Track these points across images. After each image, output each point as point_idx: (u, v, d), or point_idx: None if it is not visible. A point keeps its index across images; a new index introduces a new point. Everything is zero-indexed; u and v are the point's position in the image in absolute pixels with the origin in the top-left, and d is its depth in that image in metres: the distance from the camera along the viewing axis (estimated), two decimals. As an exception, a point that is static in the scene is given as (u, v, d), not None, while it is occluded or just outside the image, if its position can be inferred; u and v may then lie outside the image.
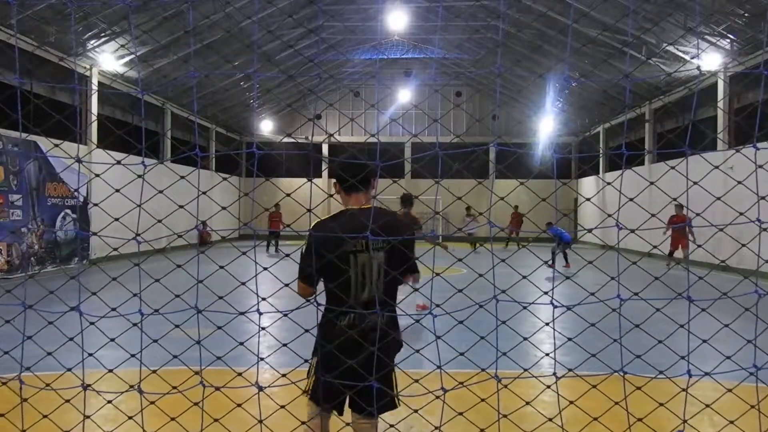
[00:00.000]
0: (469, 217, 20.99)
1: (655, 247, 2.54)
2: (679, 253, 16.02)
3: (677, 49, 16.99)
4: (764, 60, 14.22)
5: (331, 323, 2.82)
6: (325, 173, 32.24)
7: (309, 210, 2.85)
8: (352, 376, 2.71)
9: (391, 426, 2.93)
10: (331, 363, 2.75)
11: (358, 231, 2.71)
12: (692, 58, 16.87)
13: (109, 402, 2.87)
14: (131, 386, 2.73)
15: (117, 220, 2.90)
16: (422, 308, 8.83)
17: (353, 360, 2.70)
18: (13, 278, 13.01)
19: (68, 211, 15.82)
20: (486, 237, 20.70)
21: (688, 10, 15.25)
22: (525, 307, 2.82)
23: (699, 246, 2.66)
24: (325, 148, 32.00)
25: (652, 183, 2.78)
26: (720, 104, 17.24)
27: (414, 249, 2.99)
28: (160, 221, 3.03)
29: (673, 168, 2.77)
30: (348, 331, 2.76)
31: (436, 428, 2.82)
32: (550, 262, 16.58)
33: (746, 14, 14.43)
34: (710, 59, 16.34)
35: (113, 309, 2.82)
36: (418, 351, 3.04)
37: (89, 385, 2.85)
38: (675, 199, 15.11)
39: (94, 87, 17.69)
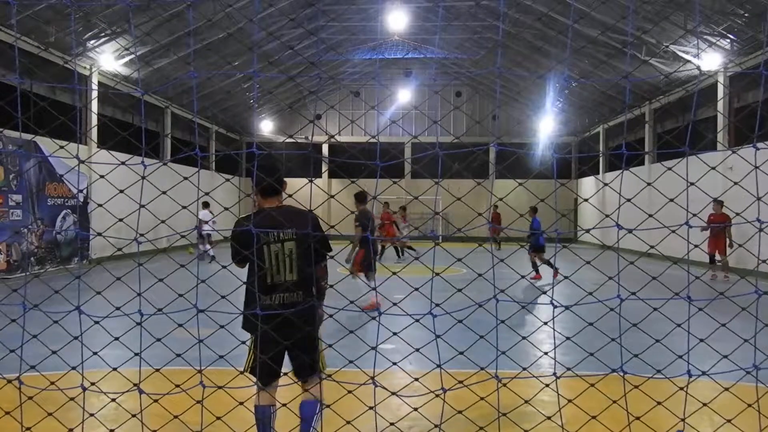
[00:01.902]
0: (403, 218, 20.94)
1: (652, 247, 2.55)
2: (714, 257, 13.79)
3: (677, 49, 17.00)
4: (764, 60, 14.23)
5: (256, 303, 3.19)
6: (325, 174, 32.25)
7: (309, 210, 2.87)
8: (279, 346, 3.15)
9: (392, 424, 2.94)
10: (262, 338, 3.10)
11: (270, 227, 3.28)
12: (692, 58, 16.88)
13: (113, 400, 2.89)
14: (134, 385, 2.75)
15: (121, 220, 2.91)
16: (370, 307, 7.49)
17: (279, 334, 3.10)
18: (12, 278, 13.03)
19: (68, 211, 15.84)
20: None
21: (688, 10, 15.26)
22: (524, 307, 2.84)
23: (696, 246, 2.67)
24: (325, 149, 32.01)
25: (649, 184, 2.80)
26: (720, 104, 17.25)
27: (325, 241, 3.47)
28: (163, 221, 3.04)
29: (669, 169, 2.78)
30: (270, 309, 3.14)
31: (436, 426, 2.83)
32: (554, 268, 15.40)
33: (746, 14, 14.44)
34: (710, 59, 16.35)
35: (117, 308, 2.84)
36: (418, 350, 3.06)
37: (93, 383, 2.87)
38: (714, 198, 12.97)
39: (95, 87, 17.70)
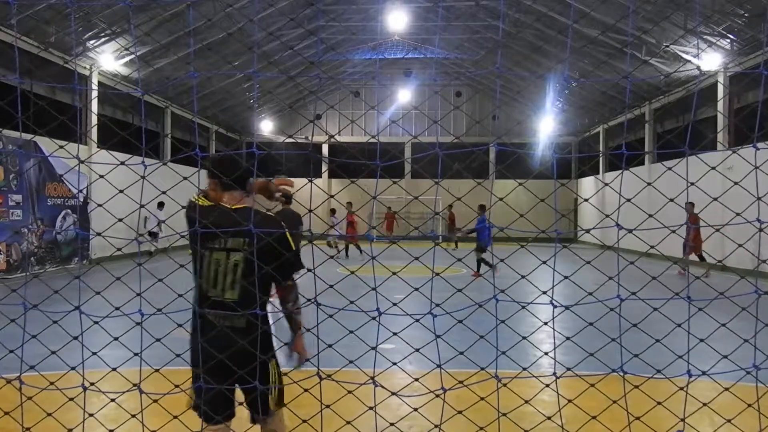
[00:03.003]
0: (335, 217, 20.99)
1: (652, 247, 2.56)
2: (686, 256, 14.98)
3: (677, 49, 17.00)
4: (764, 60, 14.23)
5: (195, 320, 2.81)
6: (325, 174, 32.26)
7: (310, 210, 2.87)
8: (218, 376, 2.72)
9: (392, 424, 2.94)
10: (197, 361, 2.74)
11: (218, 228, 2.70)
12: (692, 58, 16.88)
13: (112, 401, 2.89)
14: (133, 385, 2.75)
15: (121, 220, 2.91)
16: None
17: (218, 362, 2.68)
18: (12, 278, 13.03)
19: (68, 211, 15.84)
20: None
21: (688, 10, 15.26)
22: (524, 307, 2.84)
23: (695, 246, 2.69)
24: (325, 149, 32.01)
25: (649, 184, 2.80)
26: (720, 104, 17.25)
27: (290, 260, 2.83)
28: (163, 221, 3.04)
29: (669, 169, 2.78)
30: (205, 328, 2.73)
31: (435, 426, 2.83)
32: (492, 267, 15.05)
33: (746, 14, 14.44)
34: (710, 59, 16.35)
35: (117, 308, 2.84)
36: (418, 350, 3.06)
37: (92, 383, 2.87)
38: (687, 201, 14.27)
39: (94, 87, 17.70)
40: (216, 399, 2.73)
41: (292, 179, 3.14)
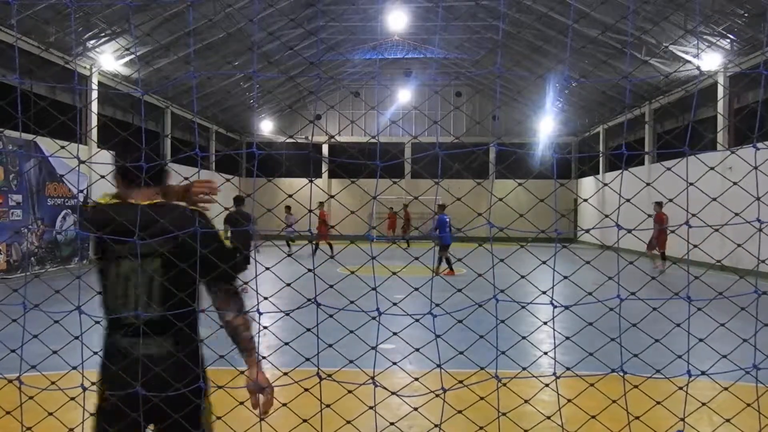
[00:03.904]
0: (291, 216, 21.12)
1: (653, 247, 2.56)
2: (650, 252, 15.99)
3: (677, 49, 17.01)
4: (764, 60, 14.23)
5: (105, 345, 2.31)
6: (325, 174, 32.27)
7: (310, 210, 2.88)
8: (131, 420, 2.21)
9: (392, 424, 2.95)
10: (104, 404, 2.27)
11: (124, 230, 2.19)
12: (692, 58, 16.89)
13: (112, 401, 2.89)
14: (133, 385, 2.75)
15: (120, 221, 2.91)
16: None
17: (132, 401, 2.20)
18: (13, 278, 13.03)
19: (68, 211, 15.84)
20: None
21: (687, 10, 15.27)
22: (524, 307, 2.84)
23: (695, 246, 2.69)
24: (325, 149, 32.02)
25: (648, 184, 2.80)
26: (719, 104, 17.25)
27: (223, 253, 2.37)
28: (162, 221, 3.04)
29: (669, 169, 2.79)
30: (115, 357, 2.24)
31: (435, 426, 2.84)
32: (450, 267, 15.62)
33: (746, 14, 14.44)
34: (710, 59, 16.36)
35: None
36: (417, 350, 3.06)
37: (93, 383, 2.87)
38: (656, 201, 15.05)
39: (95, 87, 17.71)
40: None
41: (213, 182, 2.60)
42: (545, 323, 2.73)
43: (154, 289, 2.24)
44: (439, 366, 2.72)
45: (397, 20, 21.40)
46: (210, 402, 2.46)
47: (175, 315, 2.23)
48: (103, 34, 16.56)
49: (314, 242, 19.68)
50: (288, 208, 20.63)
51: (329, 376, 2.77)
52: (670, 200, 2.84)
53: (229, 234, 11.33)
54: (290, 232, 20.03)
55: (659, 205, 15.53)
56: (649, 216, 2.74)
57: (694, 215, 2.53)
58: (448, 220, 15.37)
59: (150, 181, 2.34)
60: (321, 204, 20.53)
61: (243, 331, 2.39)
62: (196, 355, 2.35)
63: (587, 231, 2.78)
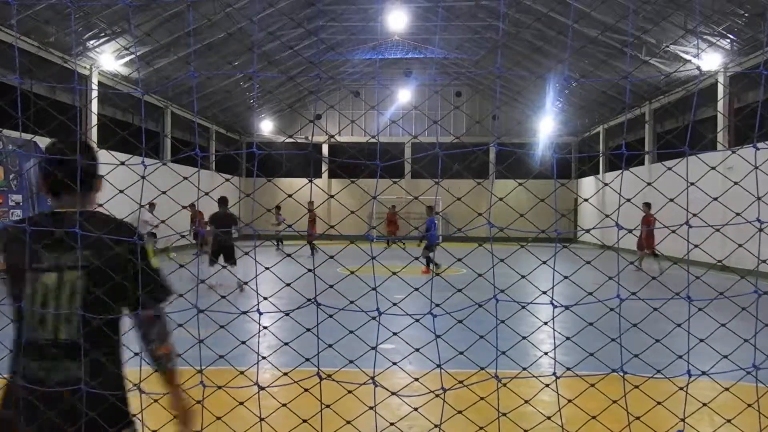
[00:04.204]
0: (280, 215, 21.22)
1: (653, 247, 2.55)
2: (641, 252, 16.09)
3: (677, 49, 17.01)
4: (764, 60, 14.23)
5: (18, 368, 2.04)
6: (325, 174, 32.26)
7: (310, 210, 2.87)
8: None
9: (392, 424, 2.94)
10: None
11: (48, 240, 2.02)
12: (692, 58, 16.89)
13: (112, 401, 2.89)
14: (133, 385, 2.75)
15: (120, 220, 2.91)
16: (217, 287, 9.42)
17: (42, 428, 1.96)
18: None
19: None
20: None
21: (688, 10, 15.27)
22: (524, 307, 2.84)
23: (696, 246, 2.68)
24: (325, 149, 32.02)
25: (649, 184, 2.80)
26: (720, 104, 17.25)
27: (149, 274, 2.17)
28: (163, 221, 3.04)
29: (669, 169, 2.78)
30: (30, 385, 1.98)
31: (435, 426, 2.83)
32: (429, 266, 16.06)
33: (746, 14, 14.44)
34: (710, 59, 16.36)
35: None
36: (417, 350, 3.06)
37: (92, 383, 2.87)
38: (644, 202, 15.29)
39: (94, 87, 17.71)
40: None
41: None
42: (545, 323, 2.73)
43: (77, 304, 2.03)
44: (439, 366, 2.71)
45: (397, 20, 21.40)
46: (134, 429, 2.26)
47: (97, 334, 2.04)
48: (103, 34, 16.55)
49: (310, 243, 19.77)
50: (278, 208, 20.71)
51: (329, 376, 2.77)
52: (671, 200, 2.83)
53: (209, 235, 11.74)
54: (279, 232, 20.18)
55: (647, 206, 15.71)
56: (650, 216, 2.74)
57: (694, 215, 2.53)
58: (435, 221, 15.86)
59: (81, 186, 2.12)
60: (311, 204, 20.60)
61: (166, 362, 2.21)
62: (116, 382, 2.14)
63: (587, 231, 2.77)
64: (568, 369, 2.91)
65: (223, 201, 12.09)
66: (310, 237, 19.41)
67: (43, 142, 13.40)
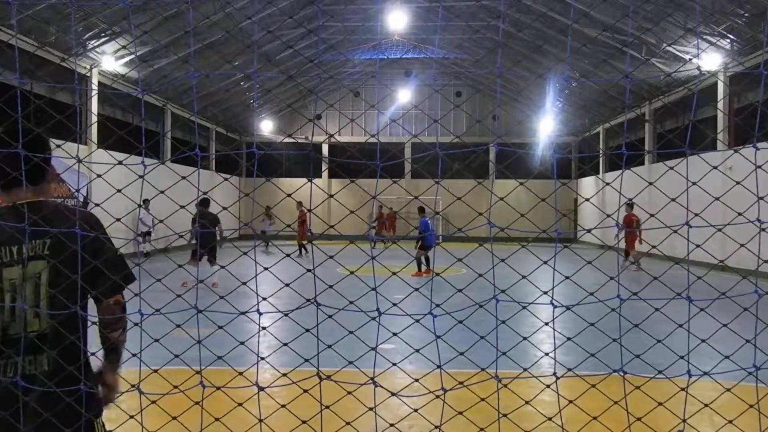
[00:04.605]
0: (268, 218, 21.24)
1: (653, 247, 2.55)
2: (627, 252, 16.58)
3: (677, 49, 17.00)
4: (764, 60, 14.23)
5: None
6: (325, 173, 32.26)
7: (310, 210, 2.87)
8: None
9: (392, 425, 2.94)
10: None
11: (7, 234, 2.01)
12: (692, 58, 16.88)
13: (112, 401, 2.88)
14: (132, 386, 2.74)
15: (118, 220, 2.90)
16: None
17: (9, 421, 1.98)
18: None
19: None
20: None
21: (688, 10, 15.26)
22: (524, 307, 2.83)
23: (697, 246, 2.68)
24: (325, 149, 32.01)
25: (650, 183, 2.79)
26: (720, 104, 17.25)
27: (111, 261, 2.21)
28: (161, 221, 3.03)
29: (671, 168, 2.78)
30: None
31: (436, 427, 2.82)
32: (428, 267, 16.08)
33: (746, 14, 14.44)
34: (710, 59, 16.35)
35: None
36: (418, 350, 3.05)
37: (92, 383, 2.86)
38: (626, 202, 15.52)
39: (94, 87, 17.70)
40: None
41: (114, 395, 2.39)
42: (546, 324, 2.72)
43: (42, 295, 2.05)
44: (439, 366, 2.71)
45: (397, 20, 21.40)
46: (102, 425, 2.32)
47: (65, 324, 2.06)
48: (103, 34, 16.55)
49: (308, 243, 19.77)
50: (267, 208, 20.78)
51: (329, 376, 2.76)
52: (672, 200, 2.82)
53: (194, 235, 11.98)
54: (267, 232, 20.31)
55: (630, 206, 16.33)
56: (652, 215, 2.74)
57: (696, 215, 2.52)
58: (428, 222, 15.82)
59: (27, 180, 2.10)
60: (300, 203, 20.60)
61: (121, 346, 2.32)
62: (82, 373, 2.14)
63: (588, 231, 2.76)
64: (569, 369, 2.90)
65: (205, 202, 12.45)
66: (300, 237, 19.44)
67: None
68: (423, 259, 15.75)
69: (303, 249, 20.35)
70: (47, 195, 2.24)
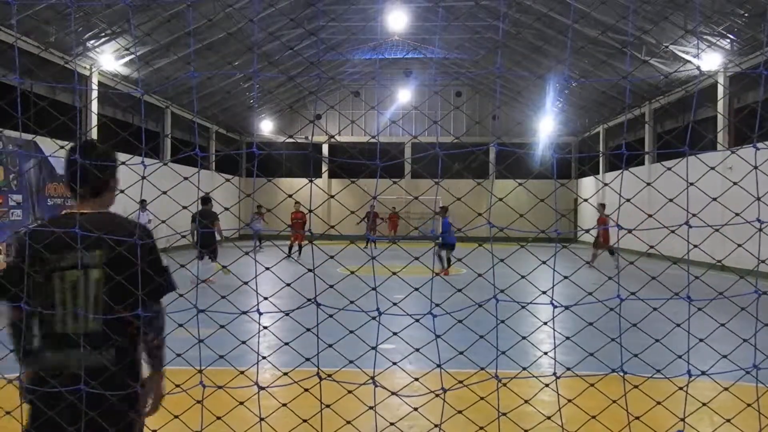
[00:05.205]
0: (258, 215, 21.26)
1: (652, 247, 2.56)
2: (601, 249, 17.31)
3: (677, 49, 17.00)
4: (764, 60, 14.23)
5: (34, 363, 2.25)
6: (325, 174, 32.26)
7: (310, 210, 2.88)
8: None
9: (392, 424, 2.95)
10: (39, 420, 2.21)
11: (68, 242, 2.20)
12: (692, 58, 16.89)
13: (112, 401, 2.89)
14: (133, 385, 2.75)
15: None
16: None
17: (61, 415, 2.16)
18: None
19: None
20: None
21: (688, 10, 15.26)
22: (524, 307, 2.84)
23: (695, 246, 2.69)
24: (325, 149, 32.01)
25: (649, 184, 2.80)
26: (719, 104, 17.25)
27: (158, 268, 2.39)
28: (163, 221, 3.04)
29: (669, 169, 2.79)
30: (60, 376, 2.19)
31: (436, 426, 2.83)
32: (449, 265, 16.38)
33: (746, 14, 14.44)
34: (710, 59, 16.35)
35: (116, 308, 2.83)
36: (418, 350, 3.06)
37: (92, 383, 2.86)
38: (599, 203, 15.73)
39: (95, 87, 17.70)
40: None
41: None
42: (545, 323, 2.73)
43: (99, 299, 2.25)
44: (439, 366, 2.72)
45: (397, 20, 21.40)
46: (143, 424, 2.45)
47: (116, 325, 2.24)
48: (103, 34, 16.55)
49: (307, 243, 19.76)
50: (259, 207, 20.80)
51: (329, 376, 2.77)
52: (671, 200, 2.83)
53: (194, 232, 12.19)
54: (258, 231, 20.38)
55: (602, 206, 17.66)
56: (650, 216, 2.74)
57: (694, 215, 2.53)
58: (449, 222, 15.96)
59: (90, 192, 2.37)
60: (298, 204, 20.62)
61: (158, 352, 2.46)
62: (133, 370, 2.35)
63: (587, 231, 2.77)
64: (568, 369, 2.91)
65: (204, 200, 12.83)
66: (296, 238, 19.41)
67: (43, 142, 13.43)
68: (443, 256, 15.97)
69: (299, 250, 20.33)
70: (109, 205, 2.45)
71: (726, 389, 2.94)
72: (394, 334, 2.88)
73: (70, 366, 2.20)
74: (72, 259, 2.23)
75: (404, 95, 30.08)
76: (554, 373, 2.77)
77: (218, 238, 13.24)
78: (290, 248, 19.43)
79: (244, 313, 2.69)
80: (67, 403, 2.16)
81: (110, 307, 2.23)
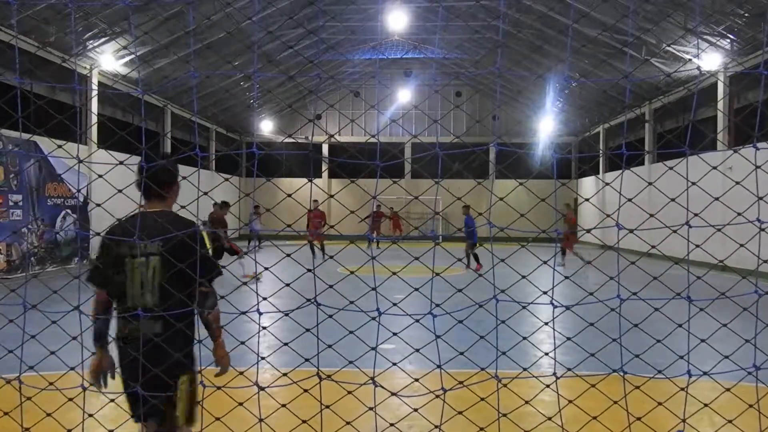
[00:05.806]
0: (256, 215, 21.25)
1: (653, 247, 2.55)
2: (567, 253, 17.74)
3: (677, 49, 17.00)
4: (764, 60, 14.23)
5: (116, 332, 2.85)
6: (325, 174, 32.25)
7: (310, 210, 2.87)
8: (130, 384, 2.75)
9: (392, 425, 2.94)
10: (122, 372, 2.84)
11: (132, 234, 2.74)
12: (692, 58, 16.88)
13: (112, 401, 2.89)
14: (133, 385, 2.74)
15: (119, 220, 2.91)
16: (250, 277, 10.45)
17: (130, 367, 2.74)
18: (12, 278, 13.02)
19: (68, 211, 15.83)
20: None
21: (688, 10, 15.25)
22: (524, 307, 2.83)
23: (697, 246, 2.68)
24: (325, 149, 32.00)
25: (650, 183, 2.79)
26: (720, 104, 17.24)
27: (206, 258, 2.81)
28: (162, 222, 3.03)
29: (671, 168, 2.78)
30: (124, 338, 2.78)
31: (436, 427, 2.83)
32: (478, 263, 16.62)
33: (746, 14, 14.43)
34: (710, 59, 16.34)
35: (115, 308, 2.83)
36: (418, 350, 3.05)
37: (92, 383, 2.86)
38: (566, 204, 15.75)
39: (94, 87, 17.69)
40: (135, 398, 2.75)
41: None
42: (546, 323, 2.72)
43: (157, 279, 2.77)
44: (439, 366, 2.71)
45: (397, 20, 21.38)
46: (192, 378, 2.77)
47: (168, 299, 2.74)
48: (103, 34, 16.53)
49: (311, 242, 19.72)
50: (256, 207, 20.80)
51: (329, 376, 2.77)
52: (672, 200, 2.83)
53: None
54: (256, 231, 20.38)
55: (568, 206, 18.16)
56: (651, 216, 2.74)
57: (695, 215, 2.52)
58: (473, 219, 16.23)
59: (154, 193, 2.89)
60: (315, 201, 20.62)
61: (213, 323, 2.85)
62: (184, 336, 2.80)
63: (588, 231, 2.77)
64: (569, 369, 2.91)
65: (224, 204, 13.23)
66: (316, 238, 19.31)
67: (42, 141, 13.41)
68: (471, 255, 16.08)
69: (321, 249, 20.21)
70: (170, 205, 2.96)
71: (727, 390, 2.93)
72: (394, 334, 2.87)
73: (137, 330, 2.72)
74: (140, 248, 2.77)
75: (404, 95, 30.05)
76: (554, 374, 2.76)
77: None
78: (313, 250, 19.08)
79: (244, 313, 2.68)
80: (132, 357, 2.72)
81: (167, 287, 2.74)
